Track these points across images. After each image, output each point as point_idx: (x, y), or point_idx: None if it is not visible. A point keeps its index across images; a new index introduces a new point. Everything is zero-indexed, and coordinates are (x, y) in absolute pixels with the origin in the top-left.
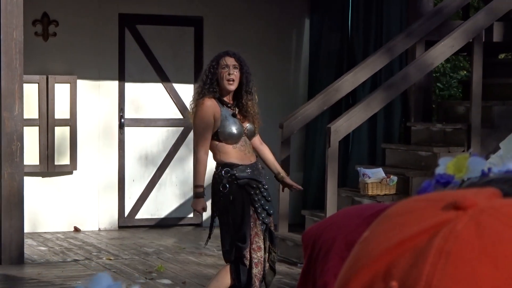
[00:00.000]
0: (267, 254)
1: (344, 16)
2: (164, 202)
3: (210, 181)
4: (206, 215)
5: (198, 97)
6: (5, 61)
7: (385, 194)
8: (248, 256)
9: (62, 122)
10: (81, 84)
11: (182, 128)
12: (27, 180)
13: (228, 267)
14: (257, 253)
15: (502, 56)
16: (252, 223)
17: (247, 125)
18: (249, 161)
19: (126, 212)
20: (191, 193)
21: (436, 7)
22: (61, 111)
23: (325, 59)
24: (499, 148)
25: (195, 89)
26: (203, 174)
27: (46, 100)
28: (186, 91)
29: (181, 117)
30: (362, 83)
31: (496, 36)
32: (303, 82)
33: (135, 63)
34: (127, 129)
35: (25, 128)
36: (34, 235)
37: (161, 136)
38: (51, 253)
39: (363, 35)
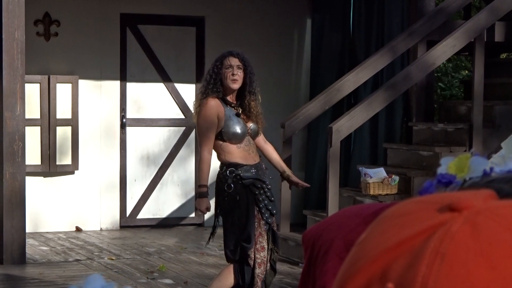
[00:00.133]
0: (269, 254)
1: (346, 16)
2: (165, 202)
3: (213, 180)
4: (208, 215)
5: (202, 96)
6: (7, 61)
7: (386, 194)
8: (253, 256)
9: (64, 122)
10: (83, 84)
11: (184, 128)
12: (29, 180)
13: (231, 267)
14: (261, 253)
15: (503, 55)
16: (256, 223)
17: (251, 125)
18: (253, 161)
19: (128, 212)
20: (192, 193)
21: (438, 7)
22: (63, 111)
23: (326, 59)
24: (500, 148)
25: (198, 89)
26: (207, 174)
27: (48, 100)
28: (188, 91)
29: (183, 117)
30: (363, 83)
31: (498, 36)
32: (305, 82)
33: (136, 63)
34: (128, 129)
35: (26, 128)
36: (36, 235)
37: (162, 136)
38: (52, 253)
39: (364, 35)
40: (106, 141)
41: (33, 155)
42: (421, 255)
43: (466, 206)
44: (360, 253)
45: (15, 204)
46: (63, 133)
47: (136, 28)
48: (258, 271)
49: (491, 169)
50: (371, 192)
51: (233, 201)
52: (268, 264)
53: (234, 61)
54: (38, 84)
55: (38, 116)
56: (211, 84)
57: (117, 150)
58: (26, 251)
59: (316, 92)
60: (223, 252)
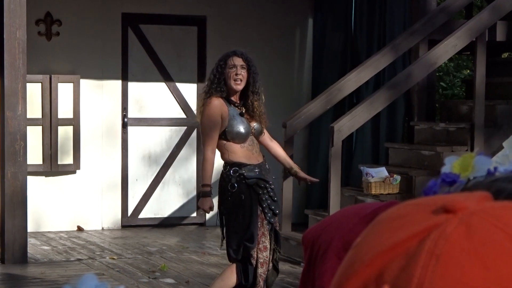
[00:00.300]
0: (271, 254)
1: (348, 15)
2: (167, 201)
3: (217, 179)
4: (210, 214)
5: (206, 96)
6: (8, 61)
7: (388, 193)
8: (255, 255)
9: (65, 122)
10: (84, 83)
11: (185, 127)
12: (31, 179)
13: (233, 267)
14: (263, 253)
15: (505, 55)
16: (259, 223)
17: (254, 124)
18: (257, 161)
19: (129, 212)
20: (194, 193)
21: (440, 6)
22: (64, 110)
23: (328, 58)
24: (502, 147)
25: (202, 88)
26: (210, 173)
27: (49, 100)
28: (189, 91)
29: (184, 116)
30: (365, 82)
31: (500, 35)
32: (307, 81)
33: (138, 62)
34: (130, 129)
35: (28, 127)
36: (38, 234)
37: (164, 136)
38: (54, 253)
39: (366, 34)
40: (108, 141)
41: (34, 155)
42: (416, 257)
43: (461, 207)
44: (356, 256)
45: (17, 203)
46: (64, 132)
47: (138, 28)
48: (260, 270)
49: (495, 168)
50: (373, 192)
51: (237, 200)
52: (271, 264)
53: (238, 61)
54: (40, 84)
55: (40, 116)
56: (215, 84)
57: (119, 149)
58: (28, 251)
59: (318, 91)
60: (224, 251)
